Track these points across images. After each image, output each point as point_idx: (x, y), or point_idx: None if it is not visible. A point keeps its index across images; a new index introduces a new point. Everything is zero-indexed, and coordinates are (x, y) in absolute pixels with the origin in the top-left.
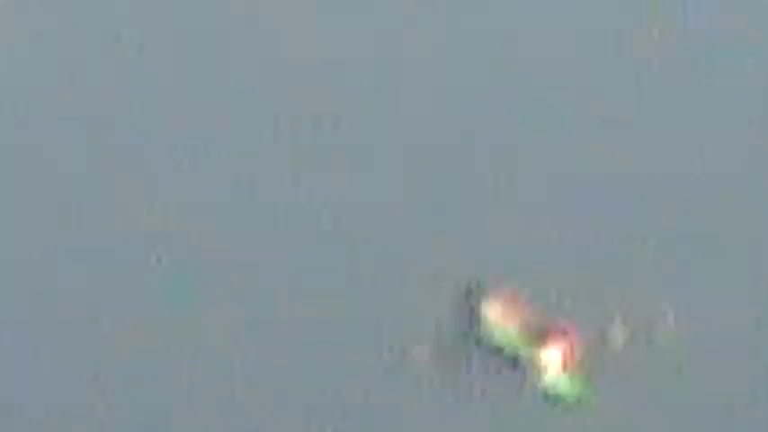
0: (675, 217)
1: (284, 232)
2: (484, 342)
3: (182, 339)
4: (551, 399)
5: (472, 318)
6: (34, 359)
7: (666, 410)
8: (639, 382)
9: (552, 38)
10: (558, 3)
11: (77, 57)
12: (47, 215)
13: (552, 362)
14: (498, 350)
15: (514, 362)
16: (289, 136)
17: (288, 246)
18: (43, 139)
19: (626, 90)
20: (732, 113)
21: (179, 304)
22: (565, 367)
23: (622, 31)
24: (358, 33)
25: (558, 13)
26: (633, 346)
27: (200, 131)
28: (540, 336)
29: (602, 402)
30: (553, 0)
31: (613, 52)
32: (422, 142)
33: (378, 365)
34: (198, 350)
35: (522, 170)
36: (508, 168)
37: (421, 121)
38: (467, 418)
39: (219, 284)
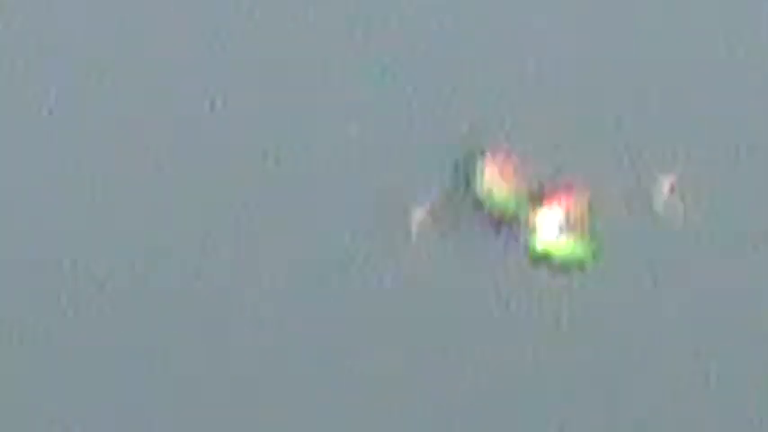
0: (678, 85)
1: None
2: (480, 203)
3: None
4: (548, 260)
5: (469, 178)
6: (34, 359)
7: (662, 275)
8: (637, 246)
9: None
10: None
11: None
12: (47, 214)
13: (549, 223)
14: (495, 211)
15: (511, 222)
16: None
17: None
18: (42, 138)
19: None
20: None
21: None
22: (562, 229)
23: None
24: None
25: None
26: (632, 211)
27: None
28: (537, 197)
29: (599, 264)
30: None
31: None
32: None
33: (374, 227)
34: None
35: (522, 34)
36: (507, 32)
37: None
38: (462, 280)
39: None
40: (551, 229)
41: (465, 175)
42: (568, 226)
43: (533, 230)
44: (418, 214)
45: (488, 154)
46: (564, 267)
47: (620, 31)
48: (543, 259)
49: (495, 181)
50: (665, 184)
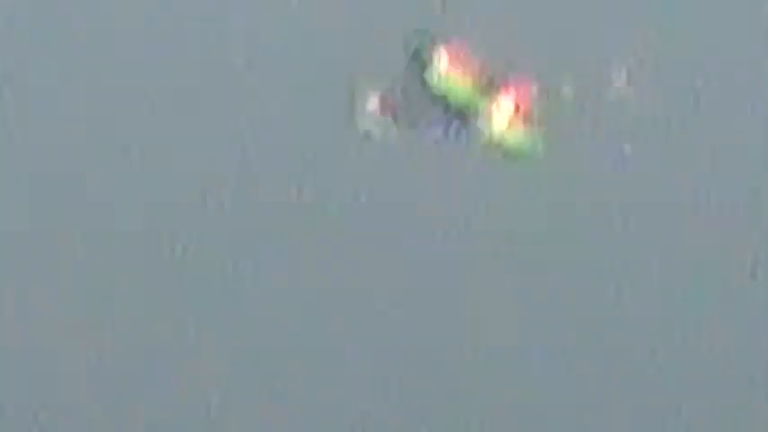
0: None
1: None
2: (434, 93)
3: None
4: (500, 150)
5: (423, 69)
6: (32, 358)
7: (613, 165)
8: (588, 136)
9: None
10: None
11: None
12: (47, 213)
13: (502, 113)
14: (448, 101)
15: (464, 113)
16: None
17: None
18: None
19: None
20: None
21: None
22: (515, 118)
23: None
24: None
25: None
26: (584, 100)
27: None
28: (490, 87)
29: (550, 154)
30: None
31: None
32: None
33: (332, 117)
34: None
35: None
36: None
37: None
38: (416, 171)
39: None
40: (504, 117)
41: (419, 64)
42: (521, 115)
43: (486, 119)
44: (372, 102)
45: (443, 43)
46: (516, 156)
47: None
48: (496, 147)
49: (449, 70)
50: (620, 71)
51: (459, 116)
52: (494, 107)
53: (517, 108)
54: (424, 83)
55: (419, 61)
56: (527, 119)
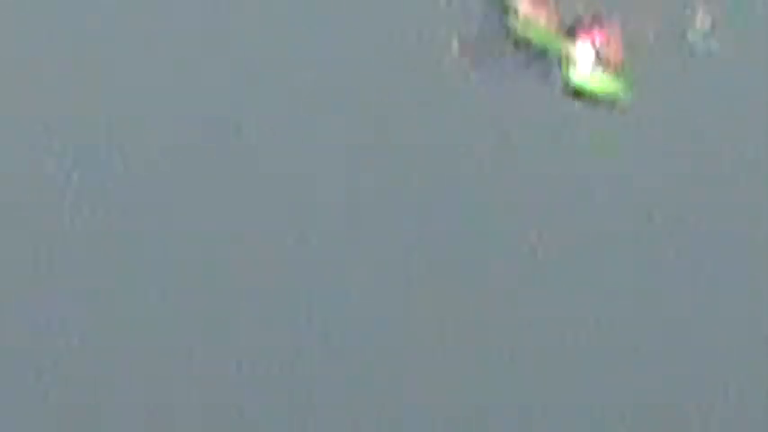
0: None
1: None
2: (516, 36)
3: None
4: (582, 93)
5: (504, 11)
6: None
7: (696, 110)
8: (672, 78)
9: None
10: None
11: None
12: (47, 212)
13: (584, 57)
14: (530, 44)
15: (546, 56)
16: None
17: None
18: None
19: None
20: None
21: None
22: (597, 62)
23: None
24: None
25: None
26: (666, 43)
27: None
28: (572, 31)
29: (634, 100)
30: None
31: None
32: None
33: (415, 59)
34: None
35: None
36: None
37: None
38: (498, 112)
39: None
40: (586, 63)
41: (500, 7)
42: (602, 60)
43: (568, 64)
44: (455, 47)
45: None
46: (598, 100)
47: None
48: (578, 92)
49: (531, 15)
50: (701, 18)
51: (542, 59)
52: (575, 50)
53: (599, 53)
54: (504, 26)
55: (500, 3)
56: (610, 64)
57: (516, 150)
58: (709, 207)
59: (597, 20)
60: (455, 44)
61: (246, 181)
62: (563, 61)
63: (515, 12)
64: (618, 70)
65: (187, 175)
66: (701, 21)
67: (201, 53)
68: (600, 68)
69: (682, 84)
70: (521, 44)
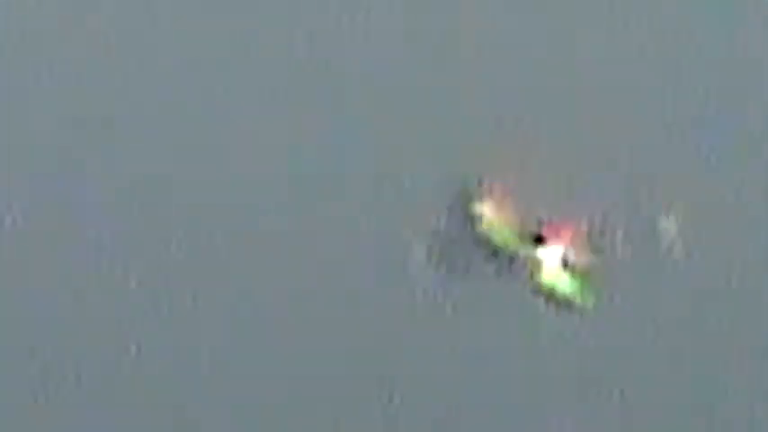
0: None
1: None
2: (481, 241)
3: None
4: (551, 295)
5: (469, 217)
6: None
7: (665, 311)
8: (639, 285)
9: None
10: None
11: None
12: (48, 211)
13: (550, 260)
14: (495, 249)
15: (512, 260)
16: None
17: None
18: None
19: None
20: None
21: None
22: (563, 266)
23: None
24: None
25: None
26: (634, 249)
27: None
28: (537, 234)
29: (600, 302)
30: None
31: None
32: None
33: (377, 265)
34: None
35: (519, 76)
36: (505, 73)
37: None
38: (464, 317)
39: None
40: (552, 265)
41: (465, 214)
42: (570, 262)
43: (535, 266)
44: (418, 251)
45: (488, 193)
46: (567, 302)
47: (612, 69)
48: (547, 294)
49: (495, 219)
50: (670, 223)
51: (507, 263)
52: (541, 254)
53: (564, 256)
54: (470, 231)
55: (465, 209)
56: (575, 266)
57: (486, 350)
58: None
59: (562, 223)
60: (421, 248)
61: (246, 180)
62: (529, 264)
63: (481, 216)
64: (584, 272)
65: (187, 175)
66: (668, 225)
67: (202, 53)
68: (566, 271)
69: (652, 286)
70: (487, 248)
